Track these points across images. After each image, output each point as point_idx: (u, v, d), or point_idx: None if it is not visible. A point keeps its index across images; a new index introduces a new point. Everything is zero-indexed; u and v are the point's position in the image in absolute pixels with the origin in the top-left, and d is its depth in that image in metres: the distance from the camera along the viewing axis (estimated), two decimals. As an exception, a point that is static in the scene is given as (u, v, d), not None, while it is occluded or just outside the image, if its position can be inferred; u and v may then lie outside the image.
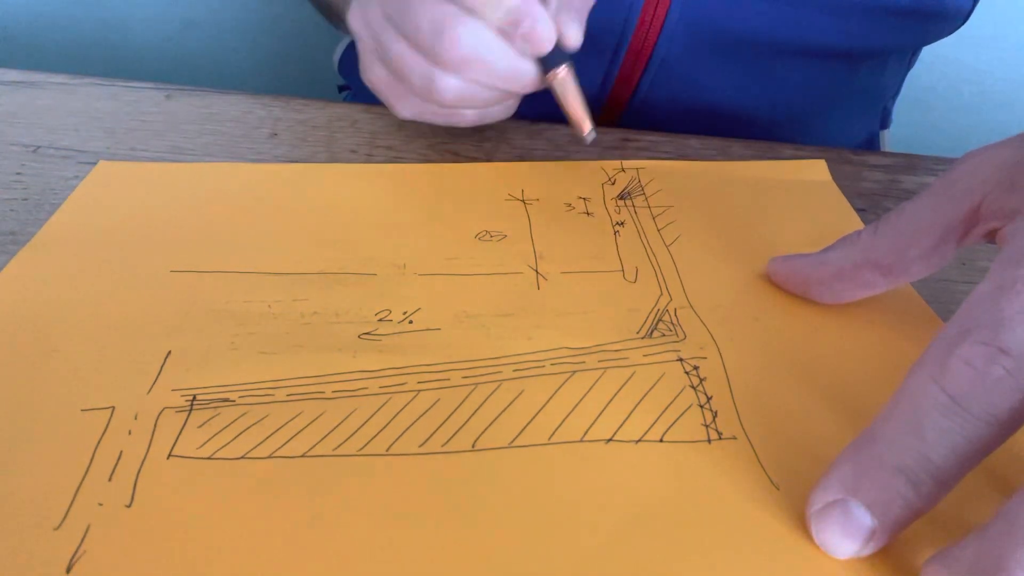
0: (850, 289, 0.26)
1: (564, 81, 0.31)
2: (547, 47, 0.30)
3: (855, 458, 0.19)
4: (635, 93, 0.44)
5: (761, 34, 0.42)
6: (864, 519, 0.18)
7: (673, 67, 0.42)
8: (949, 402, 0.18)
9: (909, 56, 0.53)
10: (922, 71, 0.62)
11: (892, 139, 0.59)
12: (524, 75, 0.31)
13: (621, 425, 0.23)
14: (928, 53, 0.55)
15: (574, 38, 0.31)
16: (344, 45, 0.61)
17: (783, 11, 0.41)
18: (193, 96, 0.40)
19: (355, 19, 0.33)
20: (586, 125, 0.32)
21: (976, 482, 0.21)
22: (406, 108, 0.33)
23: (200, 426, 0.22)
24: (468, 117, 0.33)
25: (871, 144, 0.56)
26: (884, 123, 0.57)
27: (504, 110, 0.34)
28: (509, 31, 0.29)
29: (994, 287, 0.19)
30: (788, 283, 0.28)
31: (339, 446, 0.22)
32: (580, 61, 0.44)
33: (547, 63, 0.31)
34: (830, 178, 0.35)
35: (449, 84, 0.30)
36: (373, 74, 0.33)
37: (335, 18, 0.47)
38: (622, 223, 0.32)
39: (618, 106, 0.45)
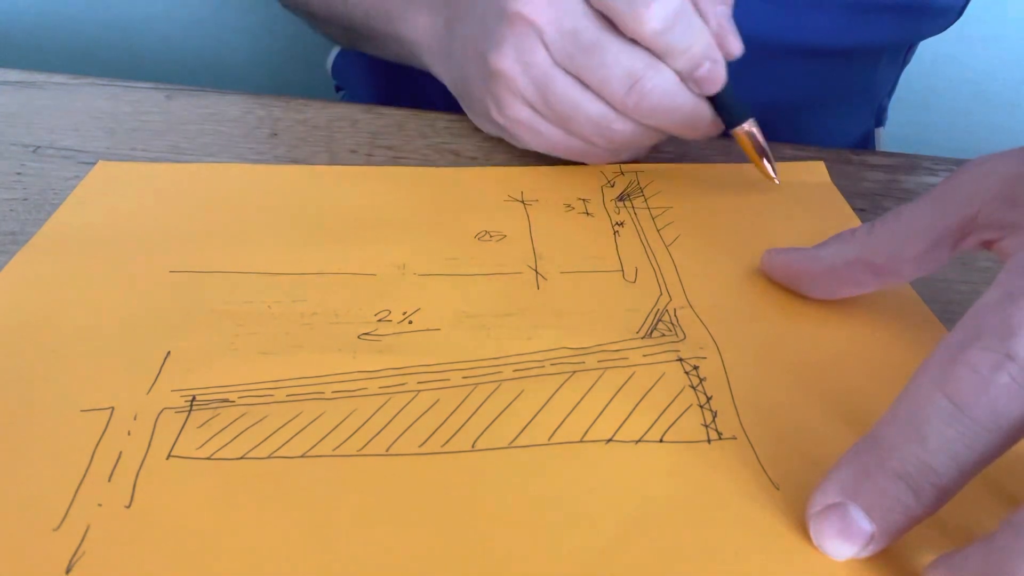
0: (840, 286, 0.26)
1: (750, 134, 0.32)
2: (719, 87, 0.30)
3: (856, 462, 0.19)
4: None
5: (751, 34, 0.42)
6: (863, 524, 0.18)
7: None
8: (953, 409, 0.18)
9: (904, 53, 0.53)
10: (921, 71, 0.62)
11: (890, 138, 0.59)
12: (702, 120, 0.31)
13: (621, 425, 0.23)
14: (928, 52, 0.55)
15: (736, 47, 0.31)
16: (337, 49, 0.60)
17: (772, 11, 0.41)
18: (193, 96, 0.40)
19: (504, 60, 0.31)
20: (772, 175, 0.33)
21: (979, 486, 0.21)
22: (538, 140, 0.33)
23: (200, 426, 0.22)
24: (603, 155, 0.33)
25: (866, 142, 0.56)
26: (879, 121, 0.56)
27: (644, 151, 0.35)
28: (686, 74, 0.30)
29: (1002, 295, 0.19)
30: (779, 276, 0.28)
31: (339, 446, 0.22)
32: None
33: (731, 117, 0.32)
34: (829, 180, 0.35)
35: (626, 128, 0.31)
36: (513, 112, 0.32)
37: (387, 46, 0.41)
38: (621, 223, 0.32)
39: None
